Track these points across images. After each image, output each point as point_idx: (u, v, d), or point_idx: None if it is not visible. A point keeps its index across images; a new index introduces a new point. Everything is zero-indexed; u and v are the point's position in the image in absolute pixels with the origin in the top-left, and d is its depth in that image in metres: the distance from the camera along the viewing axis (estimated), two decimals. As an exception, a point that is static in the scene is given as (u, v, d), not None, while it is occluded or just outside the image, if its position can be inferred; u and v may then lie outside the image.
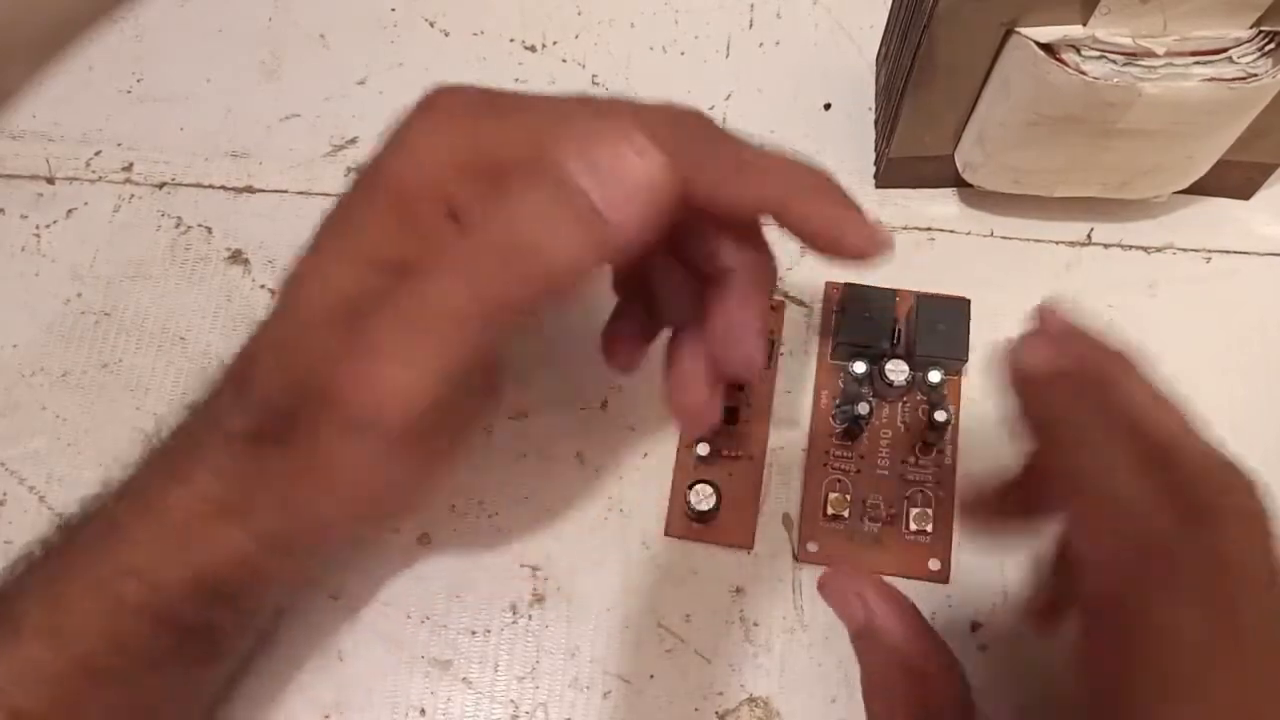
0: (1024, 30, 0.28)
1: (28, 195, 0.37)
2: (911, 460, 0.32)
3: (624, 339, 0.28)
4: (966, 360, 0.32)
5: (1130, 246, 0.35)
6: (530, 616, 0.31)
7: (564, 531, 0.32)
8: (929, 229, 0.36)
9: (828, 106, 0.38)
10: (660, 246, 0.24)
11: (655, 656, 0.30)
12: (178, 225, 0.37)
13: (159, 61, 0.40)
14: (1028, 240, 0.35)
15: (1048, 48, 0.28)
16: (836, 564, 0.28)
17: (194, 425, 0.25)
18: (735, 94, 0.38)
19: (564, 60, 0.39)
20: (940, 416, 0.30)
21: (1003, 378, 0.23)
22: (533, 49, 0.40)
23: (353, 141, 0.38)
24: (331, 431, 0.22)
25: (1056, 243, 0.35)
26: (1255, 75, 0.28)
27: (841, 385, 0.33)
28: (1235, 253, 0.35)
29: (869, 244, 0.23)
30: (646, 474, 0.32)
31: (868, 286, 0.33)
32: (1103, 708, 0.19)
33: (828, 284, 0.34)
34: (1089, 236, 0.35)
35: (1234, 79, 0.28)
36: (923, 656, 0.22)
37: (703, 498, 0.30)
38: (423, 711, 0.30)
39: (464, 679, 0.30)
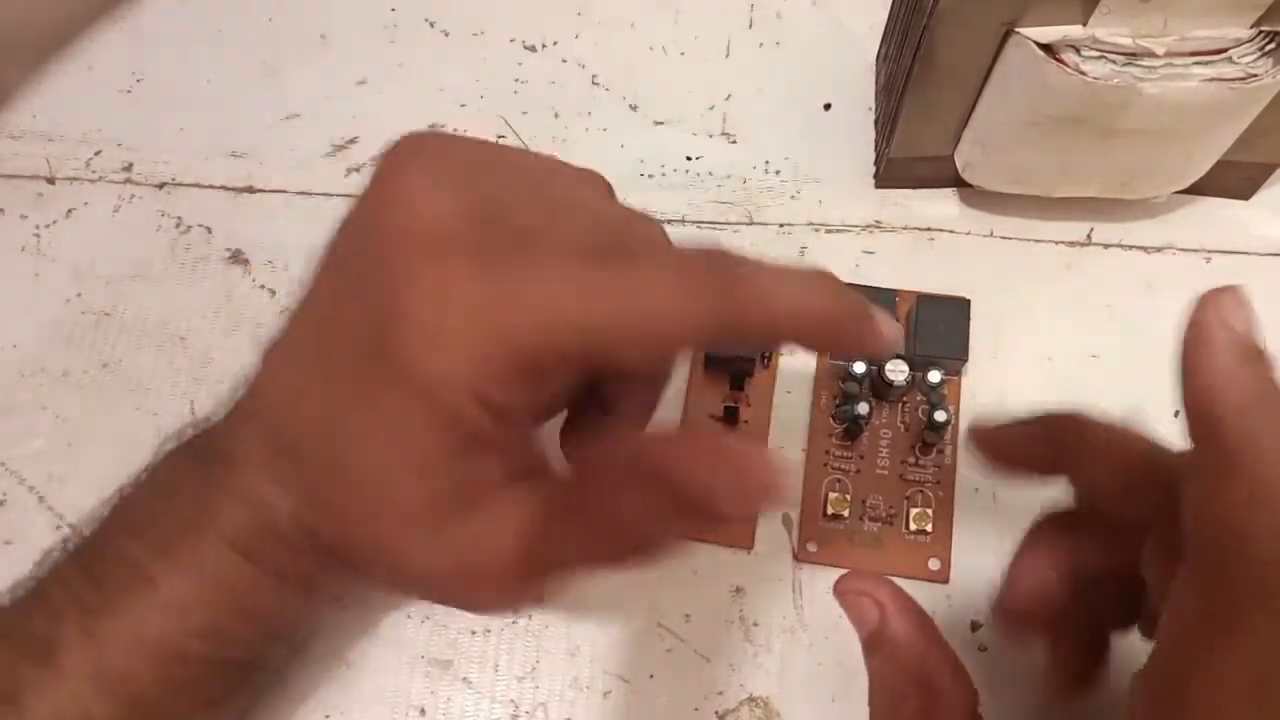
0: (1024, 30, 0.28)
1: (28, 195, 0.37)
2: (911, 460, 0.32)
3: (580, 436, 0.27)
4: (966, 360, 0.32)
5: (1130, 246, 0.35)
6: (530, 616, 0.31)
7: (564, 531, 0.31)
8: (929, 229, 0.36)
9: (828, 107, 0.38)
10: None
11: (655, 656, 0.30)
12: (178, 225, 0.37)
13: (159, 61, 0.40)
14: (1028, 240, 0.35)
15: (1048, 48, 0.28)
16: (854, 569, 0.27)
17: (208, 476, 0.23)
18: (735, 94, 0.38)
19: (564, 60, 0.39)
20: (940, 416, 0.30)
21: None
22: (533, 49, 0.40)
23: (353, 141, 0.38)
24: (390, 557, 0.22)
25: (1056, 243, 0.35)
26: (1255, 75, 0.28)
27: (841, 385, 0.33)
28: (1235, 253, 0.35)
29: (888, 347, 0.23)
30: (646, 474, 0.32)
31: (868, 287, 0.33)
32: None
33: (828, 284, 0.34)
34: (1089, 236, 0.35)
35: (1234, 79, 0.28)
36: (936, 670, 0.21)
37: (703, 498, 0.30)
38: (423, 711, 0.30)
39: (464, 679, 0.30)
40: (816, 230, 0.36)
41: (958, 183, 0.35)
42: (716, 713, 0.29)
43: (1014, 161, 0.32)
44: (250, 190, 0.37)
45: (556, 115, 0.38)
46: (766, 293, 0.21)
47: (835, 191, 0.36)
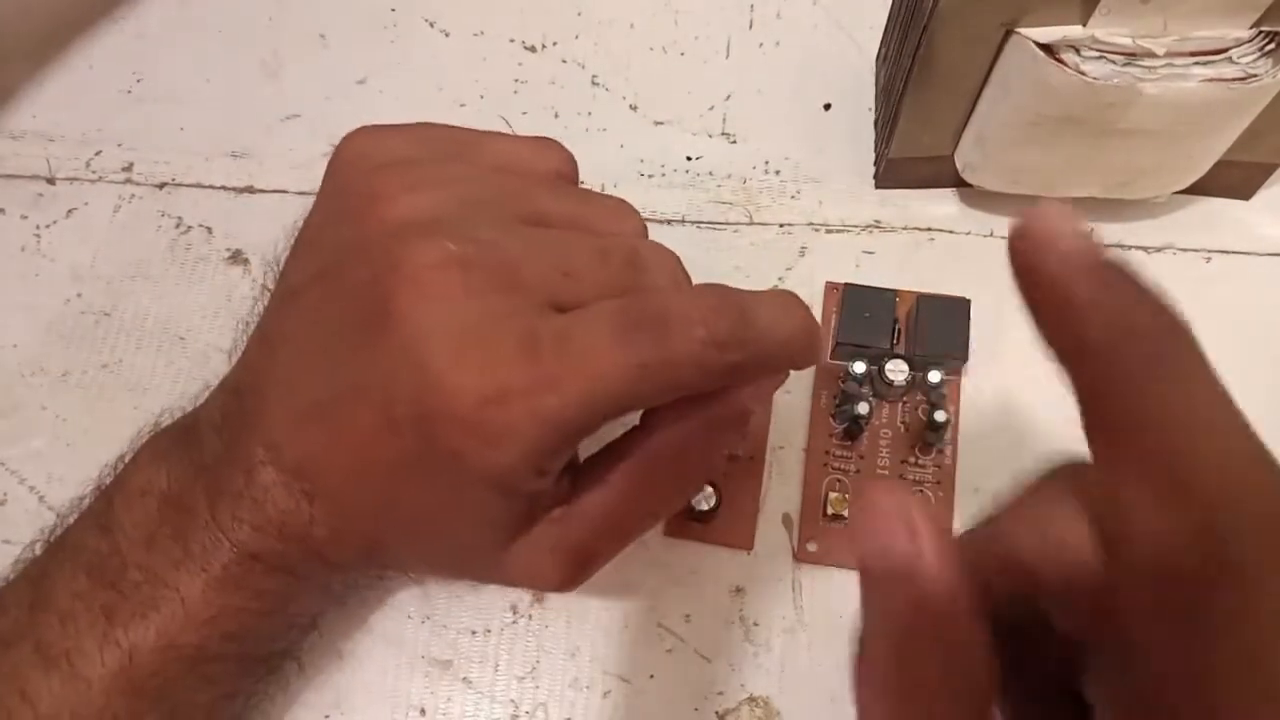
0: (1024, 30, 0.28)
1: (28, 195, 0.37)
2: (911, 460, 0.32)
3: None
4: (966, 360, 0.32)
5: (1130, 246, 0.35)
6: (530, 616, 0.31)
7: (564, 531, 0.32)
8: (929, 229, 0.36)
9: (828, 107, 0.38)
10: None
11: (655, 656, 0.30)
12: (178, 225, 0.37)
13: (159, 61, 0.40)
14: (1028, 240, 0.35)
15: (1047, 48, 0.28)
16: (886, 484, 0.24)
17: (237, 483, 0.24)
18: (735, 94, 0.38)
19: (564, 61, 0.39)
20: (940, 416, 0.30)
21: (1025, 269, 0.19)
22: (533, 49, 0.40)
23: (353, 141, 0.38)
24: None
25: (1056, 243, 0.35)
26: (1255, 75, 0.28)
27: (841, 385, 0.33)
28: (1235, 253, 0.35)
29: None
30: (646, 474, 0.32)
31: (868, 287, 0.33)
32: None
33: (828, 284, 0.34)
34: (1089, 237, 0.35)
35: (1234, 79, 0.28)
36: (964, 625, 0.15)
37: (703, 498, 0.30)
38: (423, 711, 0.30)
39: (464, 679, 0.30)
40: (816, 230, 0.36)
41: (958, 183, 0.35)
42: (716, 712, 0.29)
43: (1014, 162, 0.32)
44: (250, 190, 0.37)
45: (556, 115, 0.38)
46: (771, 327, 0.23)
47: (835, 191, 0.36)
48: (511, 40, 0.40)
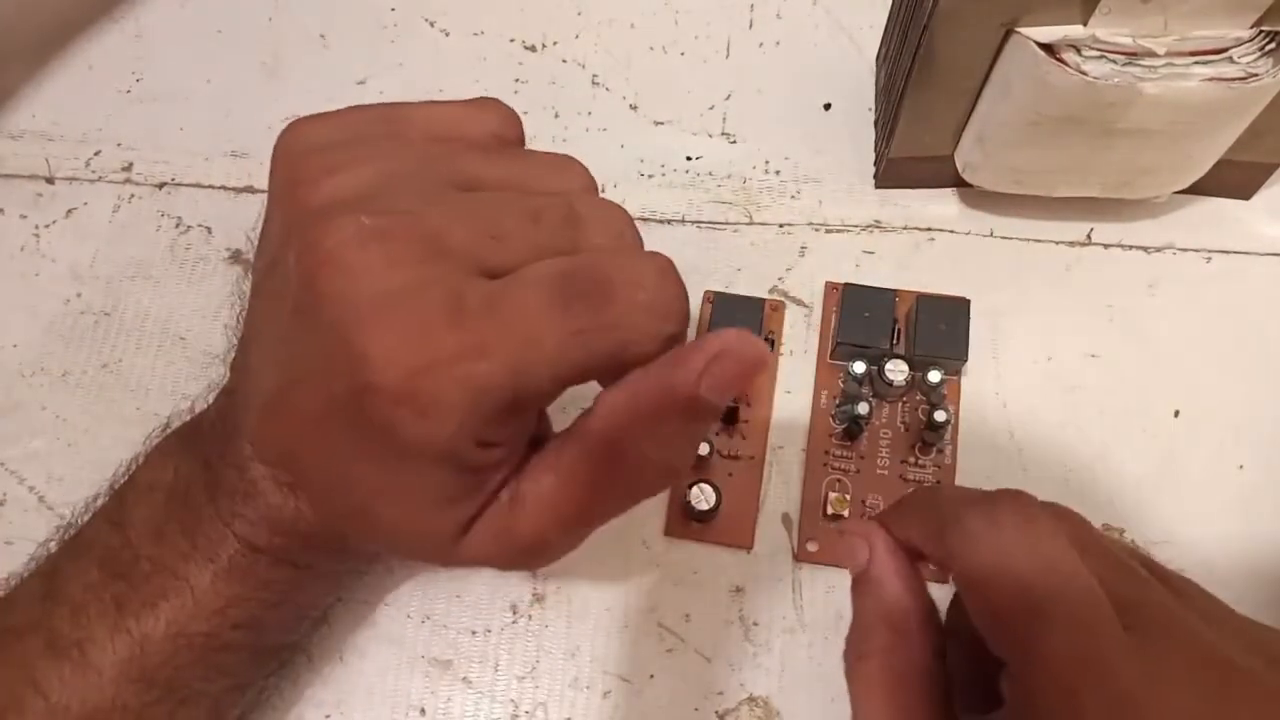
0: (1024, 30, 0.28)
1: (27, 195, 0.37)
2: (911, 460, 0.32)
3: None
4: (966, 360, 0.32)
5: (1130, 246, 0.35)
6: (530, 616, 0.31)
7: (564, 531, 0.32)
8: (929, 229, 0.36)
9: (828, 107, 0.38)
10: None
11: (655, 656, 0.30)
12: (178, 225, 0.37)
13: (159, 61, 0.40)
14: (1028, 240, 0.35)
15: (1048, 48, 0.28)
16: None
17: (230, 479, 0.24)
18: (735, 94, 0.38)
19: (564, 60, 0.39)
20: (940, 416, 0.30)
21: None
22: (533, 49, 0.40)
23: (353, 141, 0.38)
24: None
25: (1056, 243, 0.35)
26: (1255, 75, 0.28)
27: (841, 385, 0.33)
28: (1235, 253, 0.35)
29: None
30: (646, 474, 0.32)
31: (868, 287, 0.33)
32: None
33: (828, 284, 0.34)
34: (1089, 236, 0.35)
35: (1234, 79, 0.28)
36: (907, 612, 0.21)
37: (703, 498, 0.30)
38: (423, 711, 0.30)
39: (464, 678, 0.30)
40: (816, 230, 0.36)
41: (958, 183, 0.35)
42: (716, 712, 0.29)
43: (1014, 161, 0.32)
44: (250, 190, 0.37)
45: (556, 115, 0.38)
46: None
47: (835, 191, 0.36)
48: (511, 40, 0.40)
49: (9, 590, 0.25)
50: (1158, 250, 0.35)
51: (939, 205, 0.36)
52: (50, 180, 0.38)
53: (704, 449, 0.31)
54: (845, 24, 0.40)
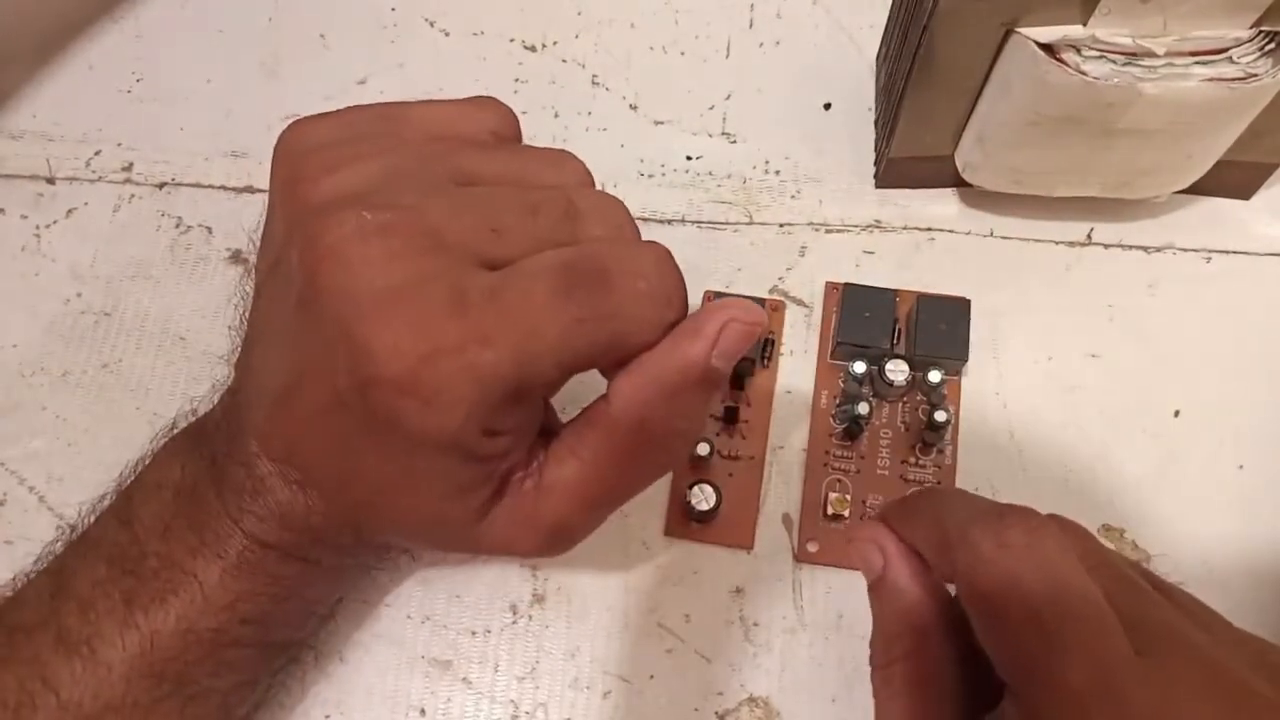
0: (1024, 30, 0.28)
1: (28, 195, 0.37)
2: (911, 460, 0.32)
3: None
4: (966, 360, 0.32)
5: (1130, 246, 0.35)
6: (530, 616, 0.31)
7: (564, 531, 0.32)
8: (929, 229, 0.36)
9: (828, 106, 0.38)
10: None
11: (655, 656, 0.30)
12: (178, 225, 0.37)
13: (159, 61, 0.40)
14: (1028, 240, 0.35)
15: (1048, 48, 0.28)
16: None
17: (238, 476, 0.24)
18: (735, 94, 0.38)
19: (564, 60, 0.39)
20: (940, 416, 0.30)
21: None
22: (533, 49, 0.40)
23: (353, 141, 0.38)
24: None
25: (1056, 243, 0.35)
26: (1255, 75, 0.28)
27: (841, 385, 0.33)
28: (1235, 253, 0.35)
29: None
30: (646, 474, 0.32)
31: (868, 286, 0.33)
32: None
33: (828, 284, 0.34)
34: (1089, 236, 0.35)
35: (1234, 79, 0.28)
36: (927, 618, 0.21)
37: (703, 498, 0.30)
38: (423, 711, 0.30)
39: (464, 679, 0.30)
40: (816, 230, 0.36)
41: (958, 183, 0.35)
42: (716, 713, 0.29)
43: (1014, 161, 0.32)
44: (250, 190, 0.37)
45: (556, 115, 0.38)
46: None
47: (835, 191, 0.36)
48: (511, 40, 0.40)
49: (17, 589, 0.25)
50: (1158, 250, 0.35)
51: (939, 205, 0.36)
52: (51, 180, 0.38)
53: (704, 449, 0.31)
54: (845, 24, 0.40)
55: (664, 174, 0.37)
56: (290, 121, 0.24)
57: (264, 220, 0.25)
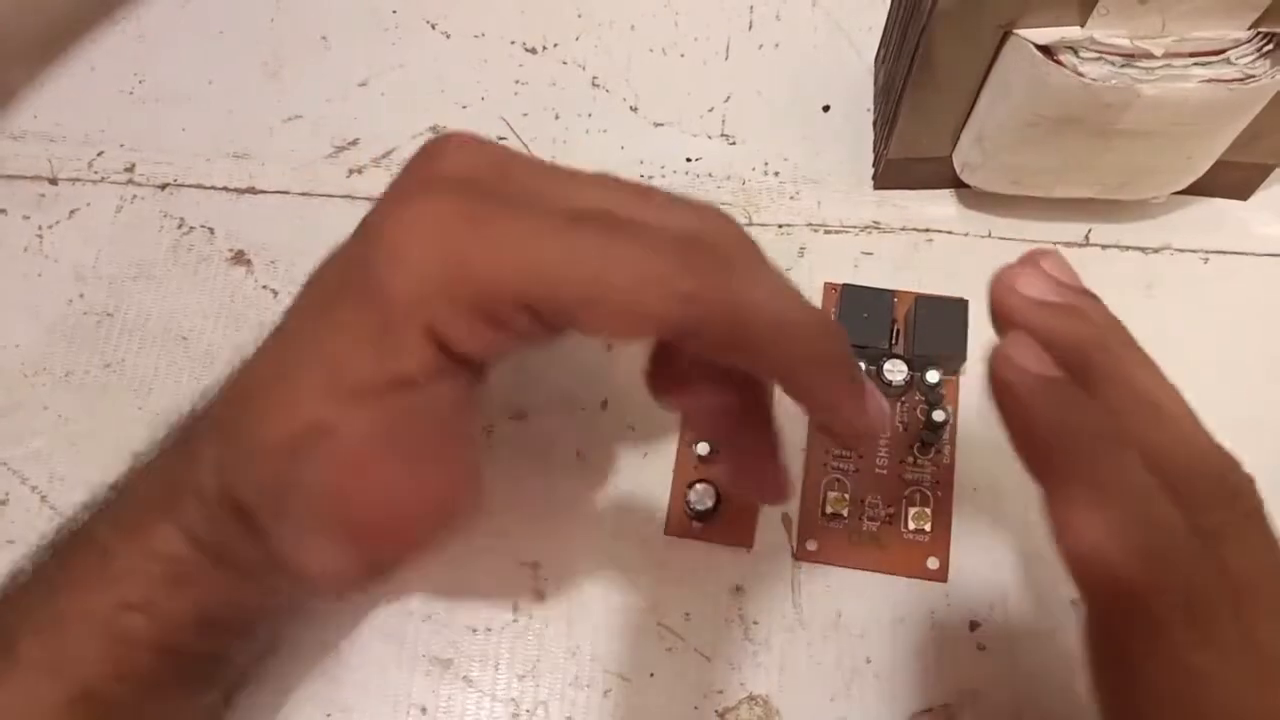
0: (1022, 32, 0.28)
1: (30, 196, 0.38)
2: (910, 460, 0.32)
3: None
4: (965, 360, 0.32)
5: (1128, 247, 0.35)
6: (531, 615, 0.31)
7: (564, 531, 0.32)
8: (927, 230, 0.36)
9: (826, 108, 0.38)
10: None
11: (655, 655, 0.30)
12: (180, 226, 0.37)
13: (161, 62, 0.40)
14: (1026, 241, 0.35)
15: (1046, 49, 0.28)
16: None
17: (177, 463, 0.24)
18: (734, 96, 0.39)
19: (564, 62, 0.40)
20: (938, 416, 0.30)
21: (991, 392, 0.23)
22: (533, 51, 0.40)
23: (354, 143, 0.38)
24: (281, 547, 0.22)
25: (1054, 243, 0.35)
26: (1253, 76, 0.28)
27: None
28: (1234, 253, 0.35)
29: (856, 433, 0.23)
30: (646, 474, 0.32)
31: (866, 287, 0.33)
32: None
33: (826, 284, 0.34)
34: (1087, 237, 0.35)
35: (1232, 80, 0.28)
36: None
37: (702, 497, 0.31)
38: (424, 710, 0.30)
39: (465, 677, 0.30)
40: (815, 231, 0.36)
41: (956, 184, 0.35)
42: (716, 711, 0.29)
43: (1012, 162, 0.32)
44: (252, 191, 0.37)
45: (557, 116, 0.38)
46: (759, 299, 0.20)
47: (834, 192, 0.37)
48: (512, 42, 0.40)
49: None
50: (1156, 251, 0.35)
51: (937, 206, 0.36)
52: (53, 181, 0.38)
53: (704, 449, 0.31)
54: (844, 26, 0.40)
55: (664, 175, 0.37)
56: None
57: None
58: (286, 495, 0.21)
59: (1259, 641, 0.19)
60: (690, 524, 0.31)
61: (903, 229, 0.36)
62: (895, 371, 0.31)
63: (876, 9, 0.36)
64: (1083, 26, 0.28)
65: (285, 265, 0.36)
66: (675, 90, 0.39)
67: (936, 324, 0.32)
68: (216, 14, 0.41)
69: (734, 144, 0.38)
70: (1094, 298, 0.23)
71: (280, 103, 0.39)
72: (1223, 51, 0.28)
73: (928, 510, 0.31)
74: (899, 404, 0.33)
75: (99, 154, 0.38)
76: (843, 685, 0.30)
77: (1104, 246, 0.35)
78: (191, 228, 0.37)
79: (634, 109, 0.39)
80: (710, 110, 0.38)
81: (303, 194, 0.37)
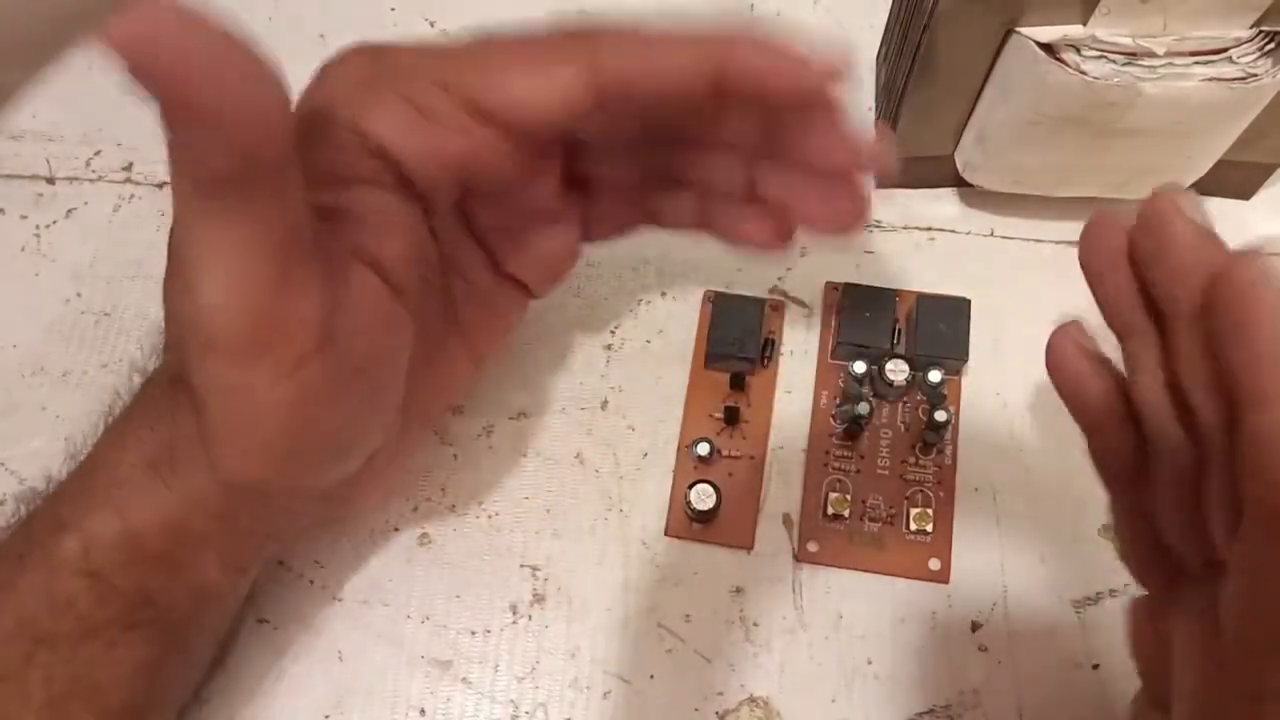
0: (1024, 30, 0.28)
1: (28, 195, 0.37)
2: (911, 460, 0.32)
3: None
4: (966, 360, 0.32)
5: (1130, 246, 0.35)
6: (530, 616, 0.31)
7: (564, 531, 0.32)
8: (929, 229, 0.36)
9: (828, 106, 0.38)
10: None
11: (655, 656, 0.30)
12: (178, 225, 0.37)
13: (159, 62, 0.40)
14: (1028, 240, 0.35)
15: (1048, 47, 0.28)
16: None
17: (135, 392, 0.25)
18: (735, 94, 0.38)
19: (564, 60, 0.39)
20: (940, 416, 0.30)
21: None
22: (533, 49, 0.40)
23: (353, 141, 0.38)
24: (205, 365, 0.21)
25: (1056, 243, 0.35)
26: (1255, 75, 0.28)
27: (841, 385, 0.33)
28: (1235, 253, 0.35)
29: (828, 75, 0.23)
30: (646, 474, 0.32)
31: (868, 287, 0.33)
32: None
33: (827, 284, 0.34)
34: (1089, 236, 0.35)
35: (1234, 79, 0.28)
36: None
37: (703, 498, 0.30)
38: (423, 711, 0.30)
39: (464, 679, 0.30)
40: (816, 230, 0.36)
41: (958, 182, 0.35)
42: (717, 713, 0.29)
43: (1014, 161, 0.32)
44: (250, 190, 0.37)
45: (556, 115, 0.38)
46: (640, 37, 0.23)
47: (835, 191, 0.36)
48: (511, 40, 0.40)
49: None
50: (1158, 250, 0.35)
51: (939, 205, 0.36)
52: (51, 180, 0.38)
53: (704, 449, 0.31)
54: (845, 24, 0.40)
55: (664, 174, 0.37)
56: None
57: None
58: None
59: None
60: (690, 525, 0.31)
61: (904, 228, 0.36)
62: (897, 371, 0.31)
63: (878, 7, 0.36)
64: (1085, 25, 0.28)
65: (284, 265, 0.36)
66: (675, 89, 0.39)
67: (938, 323, 0.32)
68: (215, 13, 0.41)
69: (734, 143, 0.38)
70: None
71: (279, 102, 0.39)
72: (1224, 50, 0.28)
73: (929, 511, 0.31)
74: (901, 404, 0.32)
75: (96, 153, 0.38)
76: (844, 687, 0.29)
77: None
78: (190, 227, 0.37)
79: (634, 108, 0.38)
80: (710, 109, 0.38)
81: (301, 193, 0.37)
